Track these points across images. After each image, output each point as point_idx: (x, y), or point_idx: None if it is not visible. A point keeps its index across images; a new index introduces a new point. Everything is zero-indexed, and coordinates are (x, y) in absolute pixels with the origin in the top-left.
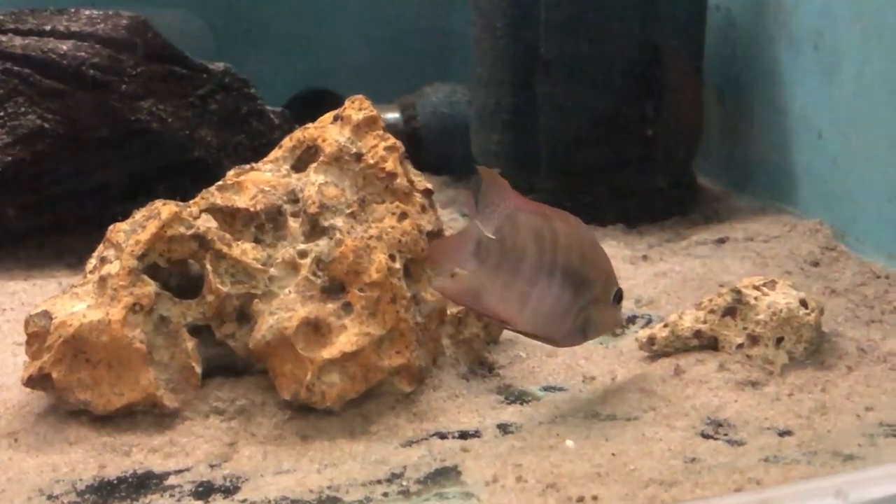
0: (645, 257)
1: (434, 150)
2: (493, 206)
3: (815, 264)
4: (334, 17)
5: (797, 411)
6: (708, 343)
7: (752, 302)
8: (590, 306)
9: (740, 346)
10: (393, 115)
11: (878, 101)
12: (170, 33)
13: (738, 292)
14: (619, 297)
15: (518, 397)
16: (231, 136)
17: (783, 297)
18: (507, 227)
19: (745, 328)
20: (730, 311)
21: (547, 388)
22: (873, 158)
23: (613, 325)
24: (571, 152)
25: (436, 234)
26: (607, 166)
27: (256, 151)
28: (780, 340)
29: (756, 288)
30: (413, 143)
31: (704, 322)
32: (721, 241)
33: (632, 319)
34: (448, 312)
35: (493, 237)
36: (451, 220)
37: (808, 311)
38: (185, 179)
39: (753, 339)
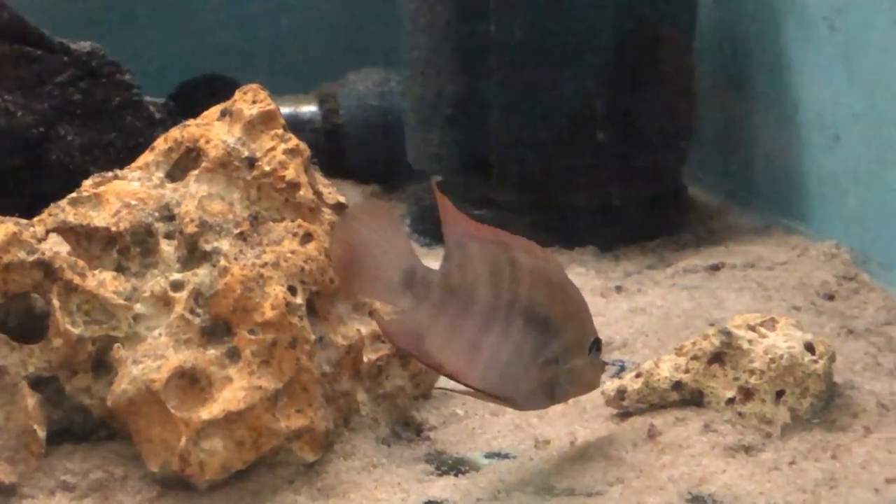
0: (619, 288)
1: (360, 151)
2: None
3: (831, 298)
4: None
5: (800, 484)
6: (691, 397)
7: (746, 346)
8: (559, 359)
9: (731, 401)
10: (309, 109)
11: None
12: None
13: (729, 334)
14: (597, 347)
15: (452, 467)
16: (99, 134)
17: (784, 340)
18: (455, 257)
19: (736, 379)
20: (717, 358)
21: (490, 455)
22: None
23: (590, 384)
24: (530, 156)
25: None
26: (575, 174)
27: (132, 153)
28: (780, 394)
29: (751, 328)
30: (334, 142)
31: (686, 371)
32: (715, 267)
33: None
34: (364, 360)
35: (435, 268)
36: None
37: (815, 358)
38: (39, 189)
39: (747, 393)
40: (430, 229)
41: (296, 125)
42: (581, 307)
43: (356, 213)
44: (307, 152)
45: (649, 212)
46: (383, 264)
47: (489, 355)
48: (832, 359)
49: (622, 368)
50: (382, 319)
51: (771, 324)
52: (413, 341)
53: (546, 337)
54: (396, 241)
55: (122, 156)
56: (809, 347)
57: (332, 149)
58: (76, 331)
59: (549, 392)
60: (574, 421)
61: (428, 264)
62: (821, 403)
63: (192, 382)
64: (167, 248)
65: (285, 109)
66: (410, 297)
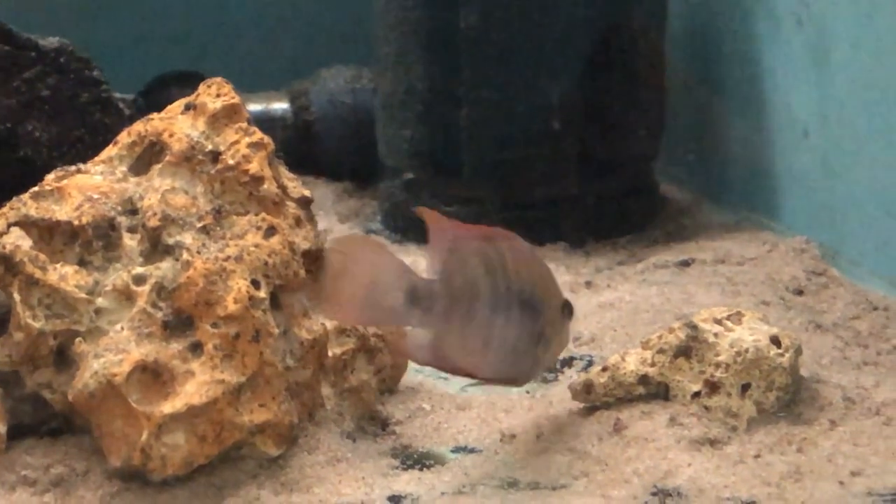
0: (589, 284)
1: (332, 148)
2: (432, 243)
3: (800, 292)
4: None
5: (766, 477)
6: (657, 391)
7: (712, 339)
8: (546, 332)
9: (696, 394)
10: (281, 105)
11: (876, 90)
12: None
13: (695, 327)
14: (569, 310)
15: (417, 461)
16: (67, 130)
17: (750, 334)
18: (452, 264)
19: (702, 372)
20: (683, 351)
21: (455, 449)
22: (870, 162)
23: (563, 343)
24: (501, 152)
25: (313, 253)
26: (546, 170)
27: (100, 150)
28: (745, 388)
29: (717, 322)
30: (306, 140)
31: (652, 364)
32: (685, 263)
33: (568, 362)
34: (329, 354)
35: (433, 278)
36: None
37: (780, 352)
38: (6, 185)
39: (713, 387)
40: (401, 226)
41: (267, 122)
42: (551, 277)
43: (342, 250)
44: (271, 146)
45: (620, 208)
46: (385, 291)
47: (498, 345)
48: (798, 352)
49: (590, 363)
50: (406, 350)
51: (737, 317)
52: (441, 356)
53: (535, 315)
54: (388, 264)
55: (91, 152)
56: (775, 341)
57: (303, 146)
58: (37, 325)
59: (539, 361)
60: (540, 415)
61: (403, 259)
62: (787, 397)
63: (154, 376)
64: (130, 241)
65: (257, 106)
66: (418, 314)
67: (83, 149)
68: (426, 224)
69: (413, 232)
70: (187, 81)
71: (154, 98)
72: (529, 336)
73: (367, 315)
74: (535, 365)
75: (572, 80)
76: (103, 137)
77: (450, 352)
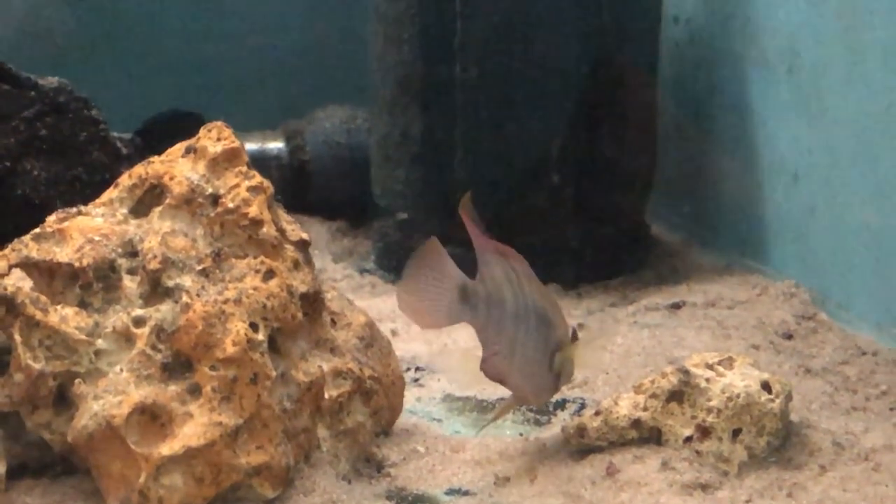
0: (581, 326)
1: (326, 188)
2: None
3: (789, 337)
4: (207, 24)
5: None
6: (649, 435)
7: (703, 384)
8: (560, 349)
9: (688, 439)
10: (276, 145)
11: (864, 137)
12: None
13: (686, 372)
14: (575, 335)
15: (412, 503)
16: (65, 169)
17: (741, 379)
18: (483, 268)
19: (694, 417)
20: (675, 396)
21: (450, 492)
22: (859, 207)
23: (572, 372)
24: (494, 195)
25: (311, 297)
26: (539, 213)
27: (98, 188)
28: (736, 433)
29: (709, 367)
30: (300, 179)
31: (645, 409)
32: (676, 305)
33: (561, 405)
34: (326, 396)
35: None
36: (346, 277)
37: (771, 397)
38: (4, 224)
39: (704, 431)
40: (394, 265)
41: (262, 161)
42: (557, 305)
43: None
44: (270, 189)
45: (612, 250)
46: (442, 293)
47: (521, 354)
48: (789, 398)
49: (582, 406)
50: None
51: (728, 362)
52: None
53: (549, 332)
54: (443, 264)
55: (89, 191)
56: (766, 386)
57: (298, 185)
58: (37, 366)
59: (555, 381)
60: (534, 458)
61: (392, 301)
62: (777, 442)
63: (152, 418)
64: (130, 283)
65: (252, 145)
66: (469, 311)
67: (81, 187)
68: (467, 229)
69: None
70: (184, 121)
71: (150, 137)
72: (544, 351)
73: (435, 320)
74: (550, 383)
75: (565, 126)
76: (101, 176)
77: (493, 359)
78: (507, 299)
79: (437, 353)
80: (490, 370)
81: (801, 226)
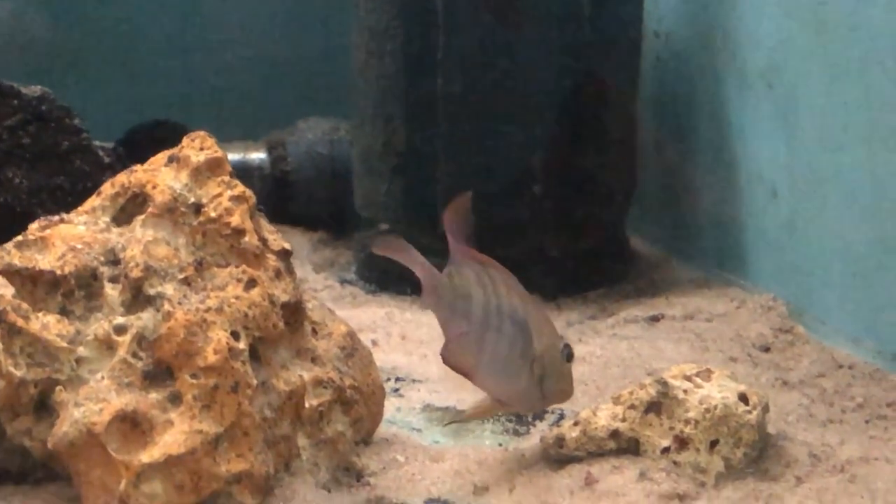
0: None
1: (308, 199)
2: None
3: (766, 349)
4: (190, 35)
5: None
6: (627, 446)
7: (681, 396)
8: (544, 359)
9: (666, 450)
10: (258, 156)
11: (843, 153)
12: None
13: (665, 384)
14: (568, 354)
15: None
16: (47, 177)
17: (719, 391)
18: (452, 266)
19: (671, 428)
20: (654, 407)
21: (429, 501)
22: (836, 222)
23: (568, 387)
24: (477, 206)
25: (292, 306)
26: (519, 225)
27: (80, 197)
28: (714, 444)
29: (687, 378)
30: (282, 189)
31: (623, 420)
32: (655, 318)
33: (540, 415)
34: (306, 405)
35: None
36: (327, 288)
37: (748, 409)
38: None
39: (682, 442)
40: (375, 276)
41: (244, 172)
42: (547, 316)
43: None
44: (253, 199)
45: (592, 263)
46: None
47: (490, 352)
48: (766, 409)
49: (561, 416)
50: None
51: (706, 374)
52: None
53: (528, 338)
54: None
55: (71, 199)
56: (743, 398)
57: (280, 196)
58: (19, 373)
59: (540, 392)
60: (513, 467)
61: (372, 312)
62: (754, 453)
63: (133, 426)
64: (112, 291)
65: (234, 156)
66: (434, 297)
67: (63, 196)
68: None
69: (387, 283)
70: (165, 131)
71: (132, 147)
72: (522, 354)
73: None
74: (533, 391)
75: (546, 140)
76: (83, 185)
77: (455, 347)
78: (475, 297)
79: (417, 363)
80: (450, 356)
81: (780, 240)
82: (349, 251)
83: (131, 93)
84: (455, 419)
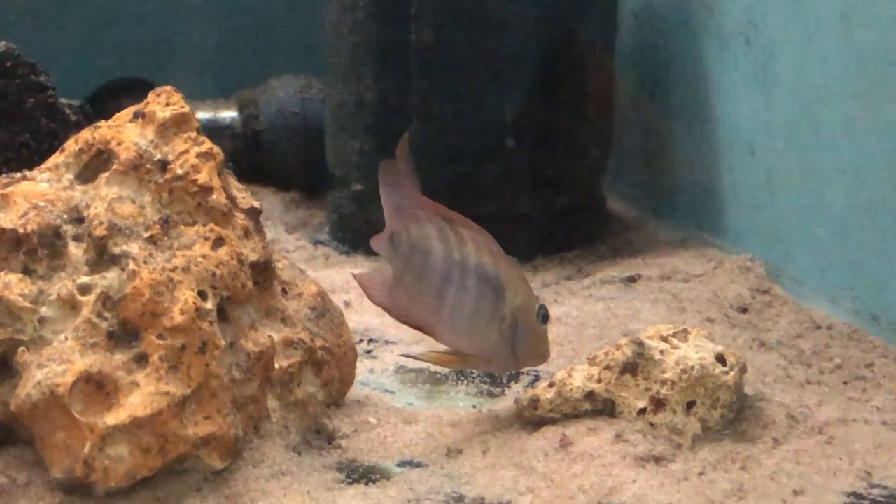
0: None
1: (280, 158)
2: (393, 199)
3: (744, 310)
4: None
5: (709, 495)
6: (603, 407)
7: (658, 357)
8: (516, 319)
9: (642, 411)
10: (230, 114)
11: (820, 110)
12: None
13: (641, 344)
14: (544, 315)
15: (363, 475)
16: (12, 135)
17: (696, 352)
18: (410, 221)
19: (647, 389)
20: (630, 368)
21: (401, 464)
22: (815, 181)
23: (544, 350)
24: (450, 165)
25: (262, 265)
26: (494, 184)
27: (46, 155)
28: (690, 405)
29: (663, 339)
30: (254, 148)
31: (599, 381)
32: (632, 279)
33: (515, 376)
34: (276, 367)
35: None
36: (299, 248)
37: (725, 370)
38: None
39: (658, 404)
40: (349, 238)
41: (215, 131)
42: (523, 277)
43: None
44: (221, 156)
45: (568, 223)
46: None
47: (452, 306)
48: (743, 370)
49: (536, 378)
50: (364, 285)
51: (683, 335)
52: (378, 287)
53: (499, 295)
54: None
55: (36, 158)
56: (721, 359)
57: (252, 155)
58: None
59: (513, 352)
60: (486, 430)
61: (345, 272)
62: (731, 414)
63: (98, 388)
64: (75, 250)
65: (205, 114)
66: (390, 249)
67: (29, 154)
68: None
69: (361, 244)
70: (134, 88)
71: (100, 104)
72: (490, 311)
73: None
74: (504, 350)
75: (522, 96)
76: (49, 143)
77: (403, 298)
78: (435, 251)
79: (390, 324)
80: (385, 300)
81: (758, 200)
82: (322, 212)
83: (101, 50)
84: (411, 356)
